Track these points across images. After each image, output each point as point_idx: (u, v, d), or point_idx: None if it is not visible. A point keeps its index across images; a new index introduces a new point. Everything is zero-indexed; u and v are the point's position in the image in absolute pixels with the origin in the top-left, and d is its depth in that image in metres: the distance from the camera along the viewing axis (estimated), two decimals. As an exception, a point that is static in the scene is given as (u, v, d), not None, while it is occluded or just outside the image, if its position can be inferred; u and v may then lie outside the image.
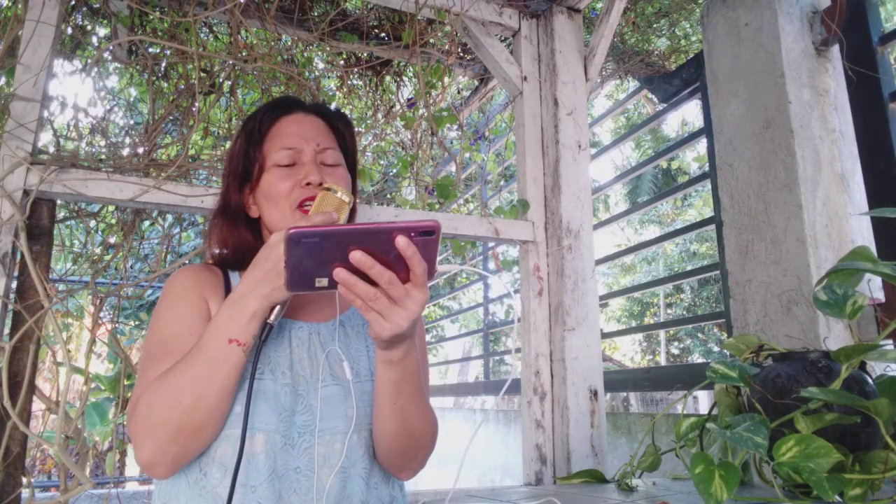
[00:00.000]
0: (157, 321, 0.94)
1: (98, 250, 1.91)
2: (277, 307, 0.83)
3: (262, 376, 0.90)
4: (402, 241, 0.69)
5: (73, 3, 1.99)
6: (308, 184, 0.97)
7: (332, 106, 1.32)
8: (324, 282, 0.73)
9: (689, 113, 13.10)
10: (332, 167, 1.02)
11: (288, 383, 0.91)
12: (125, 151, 1.93)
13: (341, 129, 1.10)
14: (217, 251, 1.04)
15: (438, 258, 0.81)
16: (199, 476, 0.86)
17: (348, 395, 0.93)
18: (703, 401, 13.18)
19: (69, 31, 2.04)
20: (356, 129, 1.23)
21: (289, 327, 0.97)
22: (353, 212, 1.10)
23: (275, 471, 0.86)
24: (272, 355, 0.93)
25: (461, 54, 2.61)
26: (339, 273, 0.71)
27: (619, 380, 2.96)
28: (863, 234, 1.69)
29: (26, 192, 1.43)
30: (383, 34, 2.46)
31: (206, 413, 0.81)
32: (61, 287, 1.72)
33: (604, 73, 2.65)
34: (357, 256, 0.70)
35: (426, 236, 0.70)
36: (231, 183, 1.04)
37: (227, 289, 0.97)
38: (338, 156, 1.04)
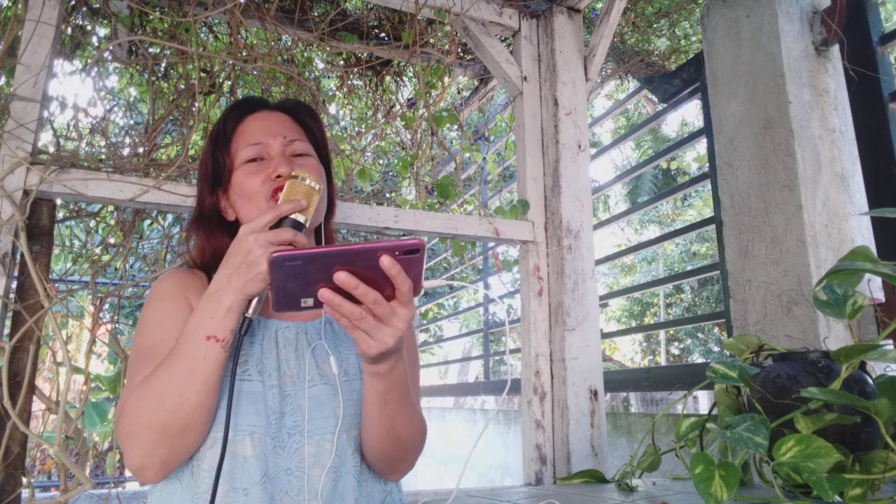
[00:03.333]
0: (143, 327, 0.94)
1: (98, 250, 1.90)
2: (255, 300, 0.83)
3: (250, 377, 0.90)
4: (386, 261, 0.70)
5: (73, 3, 1.99)
6: (278, 176, 0.96)
7: (332, 106, 1.32)
8: (309, 302, 0.73)
9: (689, 113, 13.11)
10: (301, 157, 1.02)
11: (275, 385, 0.90)
12: (125, 151, 1.93)
13: (309, 123, 1.09)
14: (198, 260, 1.04)
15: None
16: (191, 480, 0.86)
17: (336, 393, 0.92)
18: (703, 401, 13.18)
19: (69, 31, 2.04)
20: (357, 129, 1.23)
21: (276, 327, 0.96)
22: (330, 206, 1.09)
23: (266, 473, 0.85)
24: (260, 356, 0.92)
25: (461, 54, 2.61)
26: (324, 294, 0.71)
27: (619, 380, 2.96)
28: (863, 234, 1.69)
29: (26, 192, 1.43)
30: (383, 34, 2.46)
31: (190, 412, 0.81)
32: (61, 287, 1.72)
33: (604, 73, 2.65)
34: (341, 277, 0.70)
35: (410, 254, 0.71)
36: (203, 188, 1.04)
37: None
38: (307, 147, 1.04)
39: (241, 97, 2.25)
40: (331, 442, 0.89)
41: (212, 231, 1.03)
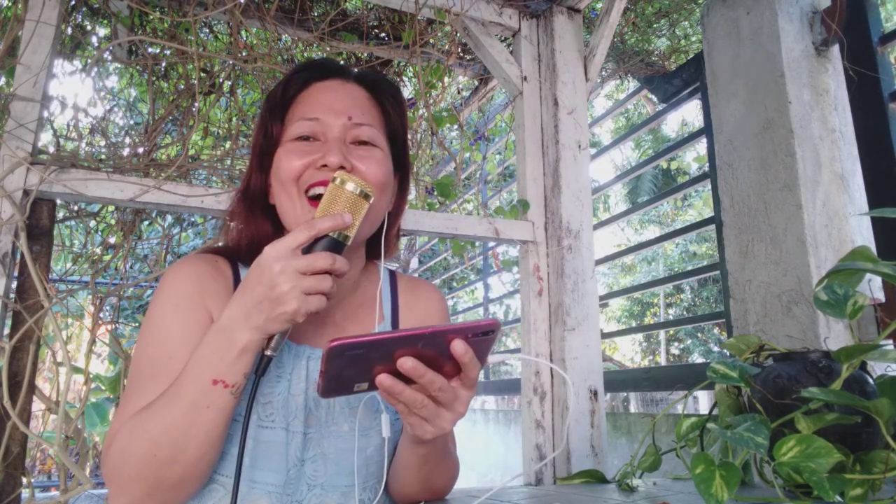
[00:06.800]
0: (151, 332, 0.79)
1: (98, 250, 1.90)
2: (276, 335, 0.69)
3: (272, 424, 0.77)
4: (459, 347, 0.61)
5: (73, 3, 1.99)
6: (324, 166, 0.78)
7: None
8: (363, 386, 0.64)
9: (689, 113, 13.12)
10: (365, 147, 0.83)
11: (299, 430, 0.78)
12: (125, 151, 1.93)
13: (388, 106, 0.89)
14: (233, 244, 0.89)
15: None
16: None
17: (369, 446, 0.81)
18: (703, 401, 13.18)
19: (69, 31, 2.04)
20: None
21: (307, 356, 0.82)
22: (396, 213, 0.92)
23: None
24: (287, 397, 0.79)
25: (461, 54, 2.60)
26: (384, 381, 0.63)
27: (619, 380, 2.96)
28: (863, 234, 1.69)
29: (26, 192, 1.42)
30: (383, 34, 2.46)
31: (186, 467, 0.68)
32: (61, 287, 1.72)
33: (604, 73, 2.65)
34: (408, 365, 0.61)
35: (484, 336, 0.62)
36: (253, 161, 0.87)
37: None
38: (376, 135, 0.84)
39: (240, 95, 2.24)
40: (356, 500, 0.80)
41: (253, 212, 0.86)
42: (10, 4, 1.78)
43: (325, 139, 0.82)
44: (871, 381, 0.99)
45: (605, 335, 3.01)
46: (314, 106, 0.83)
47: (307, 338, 0.84)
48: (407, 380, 0.63)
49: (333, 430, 0.80)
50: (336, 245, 0.70)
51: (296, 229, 0.68)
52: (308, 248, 0.68)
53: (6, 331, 1.42)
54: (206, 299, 0.80)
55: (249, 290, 0.67)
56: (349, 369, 0.61)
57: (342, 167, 0.78)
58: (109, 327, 1.91)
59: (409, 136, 2.76)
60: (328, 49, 2.27)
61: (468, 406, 0.67)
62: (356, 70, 0.91)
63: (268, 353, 0.70)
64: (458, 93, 3.25)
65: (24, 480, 1.38)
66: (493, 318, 0.64)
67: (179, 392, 0.68)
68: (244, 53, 2.00)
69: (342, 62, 2.63)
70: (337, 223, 0.68)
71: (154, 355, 0.77)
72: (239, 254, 0.88)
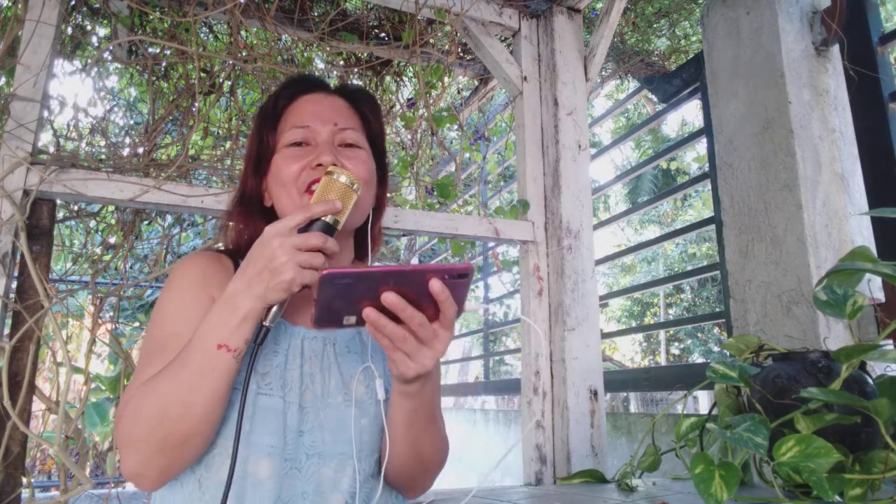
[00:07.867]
0: (160, 315, 0.88)
1: (98, 250, 1.91)
2: (274, 308, 0.78)
3: (270, 391, 0.85)
4: (436, 285, 0.68)
5: (73, 3, 1.99)
6: (319, 165, 0.89)
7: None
8: (352, 320, 0.71)
9: (689, 113, 13.13)
10: (351, 148, 0.94)
11: (296, 401, 0.85)
12: (125, 151, 1.93)
13: (367, 113, 1.02)
14: (233, 245, 0.99)
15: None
16: (198, 492, 0.82)
17: (363, 416, 0.88)
18: (703, 401, 13.18)
19: (69, 31, 2.04)
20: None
21: (302, 336, 0.90)
22: (379, 208, 1.03)
23: (280, 497, 0.81)
24: (283, 369, 0.87)
25: (461, 54, 2.60)
26: (370, 314, 0.69)
27: (619, 380, 2.96)
28: (863, 234, 1.69)
29: (26, 192, 1.42)
30: (383, 34, 2.46)
31: (193, 425, 0.76)
32: (61, 287, 1.72)
33: (604, 73, 2.65)
34: (390, 299, 0.68)
35: (460, 279, 0.69)
36: (247, 169, 0.98)
37: None
38: (359, 138, 0.97)
39: (240, 95, 2.24)
40: (353, 468, 0.85)
41: (251, 215, 0.97)
42: (10, 4, 1.78)
43: (315, 143, 0.93)
44: (870, 381, 0.99)
45: (605, 335, 3.01)
46: (304, 115, 0.95)
47: (302, 320, 0.92)
48: (392, 317, 0.70)
49: (329, 402, 0.87)
50: (328, 228, 0.79)
51: (293, 212, 0.78)
52: (304, 230, 0.77)
53: (6, 331, 1.42)
54: (210, 286, 0.89)
55: (251, 264, 0.76)
56: (339, 300, 0.69)
57: (334, 165, 0.88)
58: (109, 327, 1.91)
59: (410, 136, 2.77)
60: (328, 49, 2.27)
61: (447, 346, 0.73)
62: (336, 84, 1.06)
63: (266, 324, 0.78)
64: (458, 93, 3.25)
65: (24, 480, 1.38)
66: (468, 264, 0.70)
67: (188, 356, 0.77)
68: (244, 53, 2.00)
69: (341, 62, 2.63)
70: (329, 208, 0.78)
71: (163, 333, 0.86)
72: (239, 252, 0.95)
